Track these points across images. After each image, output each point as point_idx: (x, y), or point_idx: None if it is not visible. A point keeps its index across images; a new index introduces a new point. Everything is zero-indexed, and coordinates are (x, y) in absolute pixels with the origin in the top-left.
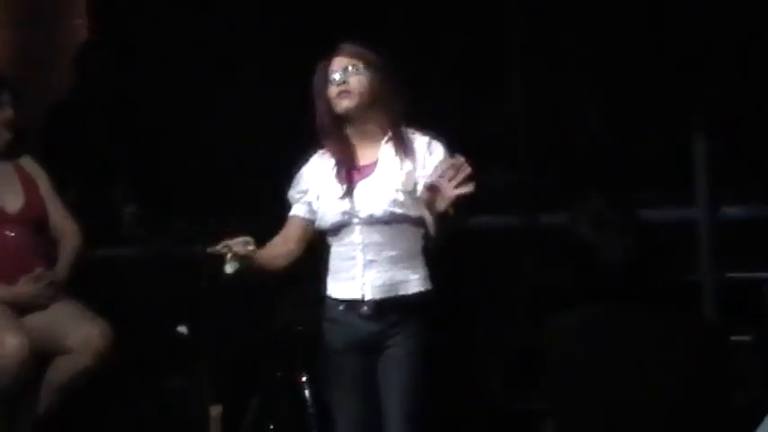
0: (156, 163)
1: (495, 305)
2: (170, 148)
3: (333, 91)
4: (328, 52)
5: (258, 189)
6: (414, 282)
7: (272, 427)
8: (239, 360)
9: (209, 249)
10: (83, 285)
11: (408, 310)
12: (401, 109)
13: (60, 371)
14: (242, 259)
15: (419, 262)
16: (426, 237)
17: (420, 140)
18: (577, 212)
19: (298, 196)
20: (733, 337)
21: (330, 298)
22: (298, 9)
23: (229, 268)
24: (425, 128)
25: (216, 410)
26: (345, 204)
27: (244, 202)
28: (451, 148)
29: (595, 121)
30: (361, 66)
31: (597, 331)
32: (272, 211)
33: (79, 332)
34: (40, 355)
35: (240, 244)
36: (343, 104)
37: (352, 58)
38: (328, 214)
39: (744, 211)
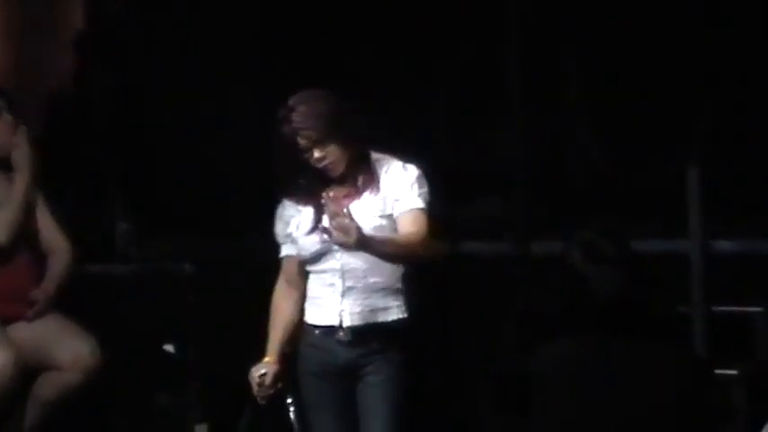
0: (150, 180)
1: (486, 331)
2: (165, 165)
3: (314, 162)
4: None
5: (251, 205)
6: (394, 309)
7: None
8: (226, 379)
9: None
10: (73, 301)
11: (388, 338)
12: (365, 141)
13: (48, 386)
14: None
15: (400, 289)
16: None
17: (395, 165)
18: (571, 243)
19: (284, 235)
20: (720, 371)
21: (307, 324)
22: (291, 30)
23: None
24: (423, 157)
25: (202, 429)
26: (325, 234)
27: (236, 218)
28: (448, 176)
29: (591, 151)
30: (324, 132)
31: (586, 362)
32: (264, 227)
33: (68, 348)
34: (27, 370)
35: (264, 388)
36: (330, 175)
37: (312, 131)
38: (308, 243)
39: (735, 245)
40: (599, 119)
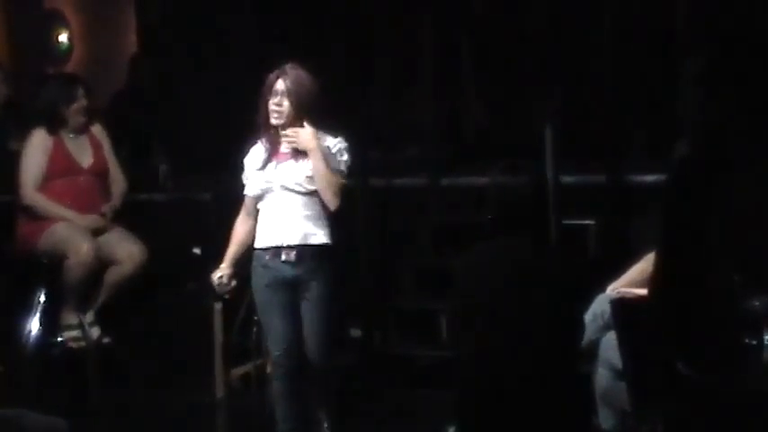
0: (181, 135)
1: (409, 238)
2: (191, 125)
3: (270, 105)
4: (279, 67)
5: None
6: (319, 235)
7: (255, 318)
8: (233, 272)
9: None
10: (130, 219)
11: (319, 259)
12: (317, 119)
13: (113, 275)
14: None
15: (323, 222)
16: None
17: (330, 140)
18: (494, 168)
19: (246, 179)
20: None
21: (259, 249)
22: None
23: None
24: (366, 117)
25: (218, 306)
26: (270, 177)
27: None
28: (384, 130)
29: (479, 114)
30: (293, 92)
31: (494, 258)
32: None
33: (125, 249)
34: (100, 264)
35: (222, 286)
36: (274, 119)
37: (289, 84)
38: (257, 183)
39: (576, 179)
40: (484, 91)
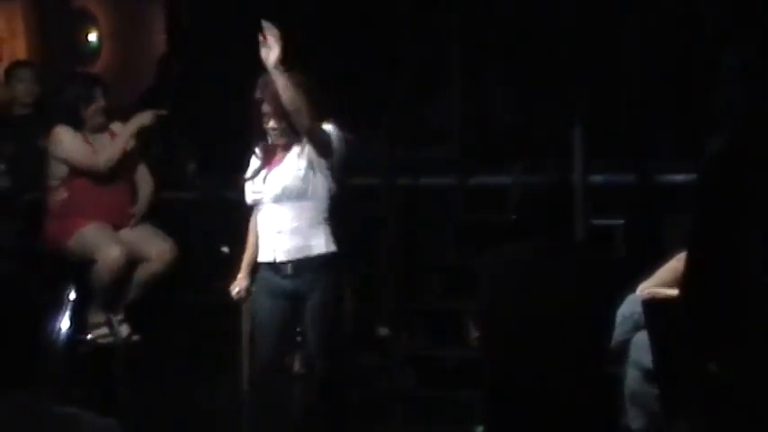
0: (208, 134)
1: (436, 236)
2: (218, 125)
3: (262, 111)
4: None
5: None
6: (315, 246)
7: None
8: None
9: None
10: (158, 217)
11: (318, 269)
12: (312, 117)
13: (143, 272)
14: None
15: (320, 231)
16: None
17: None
18: (516, 168)
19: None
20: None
21: (259, 261)
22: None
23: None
24: (393, 117)
25: (246, 304)
26: (257, 187)
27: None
28: (410, 131)
29: (507, 114)
30: (272, 100)
31: (517, 258)
32: None
33: (155, 247)
34: (129, 262)
35: (240, 297)
36: (268, 124)
37: (267, 93)
38: (247, 194)
39: (604, 178)
40: (512, 92)
